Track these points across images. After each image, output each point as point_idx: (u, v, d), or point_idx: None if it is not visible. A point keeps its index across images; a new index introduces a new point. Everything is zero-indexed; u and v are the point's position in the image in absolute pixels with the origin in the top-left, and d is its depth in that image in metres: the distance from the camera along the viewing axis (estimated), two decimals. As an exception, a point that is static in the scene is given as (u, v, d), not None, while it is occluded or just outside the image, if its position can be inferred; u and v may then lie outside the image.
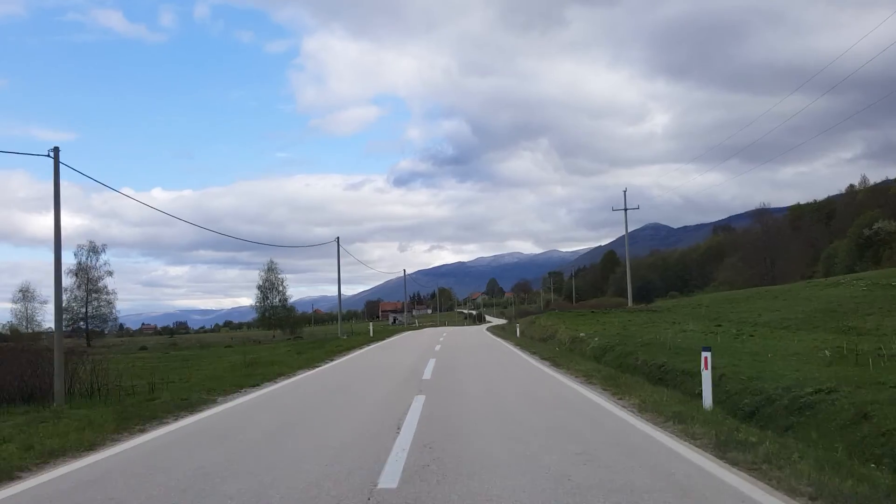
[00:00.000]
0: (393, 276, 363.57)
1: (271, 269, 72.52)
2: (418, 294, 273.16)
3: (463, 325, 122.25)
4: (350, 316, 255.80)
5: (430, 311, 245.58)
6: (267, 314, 73.03)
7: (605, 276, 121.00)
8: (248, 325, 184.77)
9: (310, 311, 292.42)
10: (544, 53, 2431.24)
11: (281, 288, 72.83)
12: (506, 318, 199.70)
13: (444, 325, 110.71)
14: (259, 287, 75.59)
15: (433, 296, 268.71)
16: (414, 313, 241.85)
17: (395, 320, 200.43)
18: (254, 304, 74.34)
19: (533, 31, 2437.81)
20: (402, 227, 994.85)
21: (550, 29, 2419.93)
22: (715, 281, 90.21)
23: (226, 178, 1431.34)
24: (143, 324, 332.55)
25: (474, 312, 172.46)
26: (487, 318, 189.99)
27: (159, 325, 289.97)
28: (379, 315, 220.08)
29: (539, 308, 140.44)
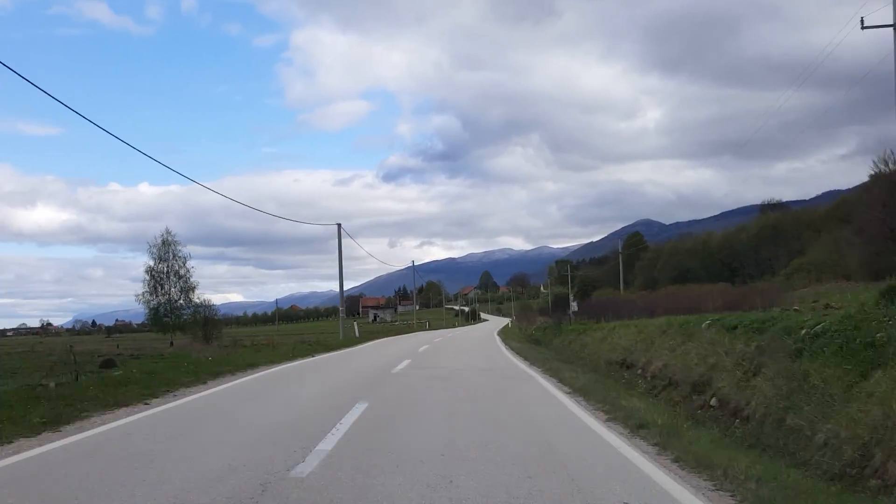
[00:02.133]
0: (384, 272, 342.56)
1: (167, 243, 48.87)
2: (404, 288, 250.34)
3: (454, 325, 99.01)
4: (329, 313, 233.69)
5: (416, 307, 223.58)
6: (161, 311, 48.71)
7: (630, 263, 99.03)
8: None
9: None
10: (536, 46, 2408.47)
11: (183, 272, 48.99)
12: (504, 315, 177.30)
13: (426, 327, 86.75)
14: (149, 272, 49.92)
15: (420, 290, 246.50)
16: (398, 309, 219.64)
17: (375, 317, 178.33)
18: (139, 297, 49.89)
19: (525, 23, 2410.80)
20: (391, 223, 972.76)
21: (542, 20, 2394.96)
22: (787, 267, 68.10)
23: (213, 174, 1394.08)
24: (116, 320, 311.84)
25: (466, 309, 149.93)
26: (483, 315, 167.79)
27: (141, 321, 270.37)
28: (359, 311, 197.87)
29: (545, 304, 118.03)
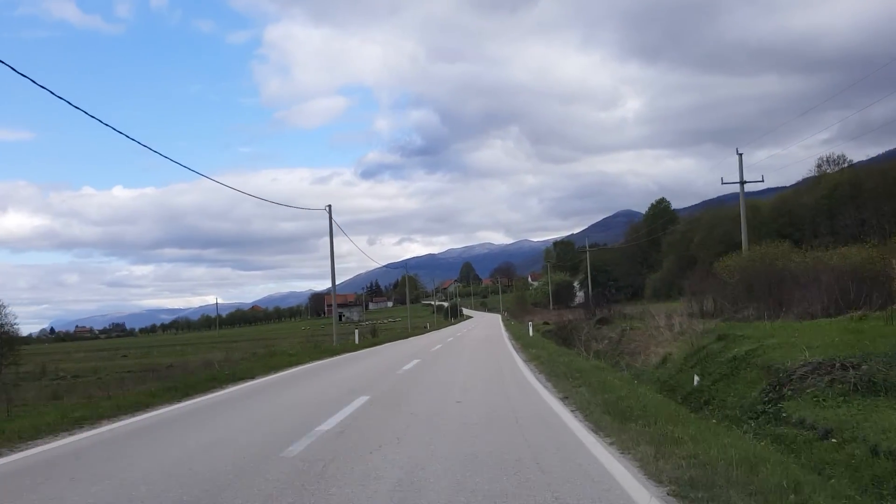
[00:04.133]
0: (363, 270, 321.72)
1: None
2: (376, 283, 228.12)
3: (426, 327, 74.70)
4: (293, 313, 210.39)
5: (390, 304, 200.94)
6: None
7: (654, 239, 77.37)
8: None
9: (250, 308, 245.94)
10: (513, 36, 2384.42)
11: None
12: (490, 311, 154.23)
13: (354, 340, 64.19)
14: None
15: (396, 285, 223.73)
16: (370, 307, 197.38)
17: (341, 317, 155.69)
18: None
19: (500, 12, 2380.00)
20: (371, 221, 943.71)
21: (518, 9, 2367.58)
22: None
23: (189, 175, 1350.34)
24: (76, 326, 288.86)
25: (446, 304, 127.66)
26: (466, 311, 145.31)
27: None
28: (325, 311, 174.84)
29: (540, 297, 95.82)
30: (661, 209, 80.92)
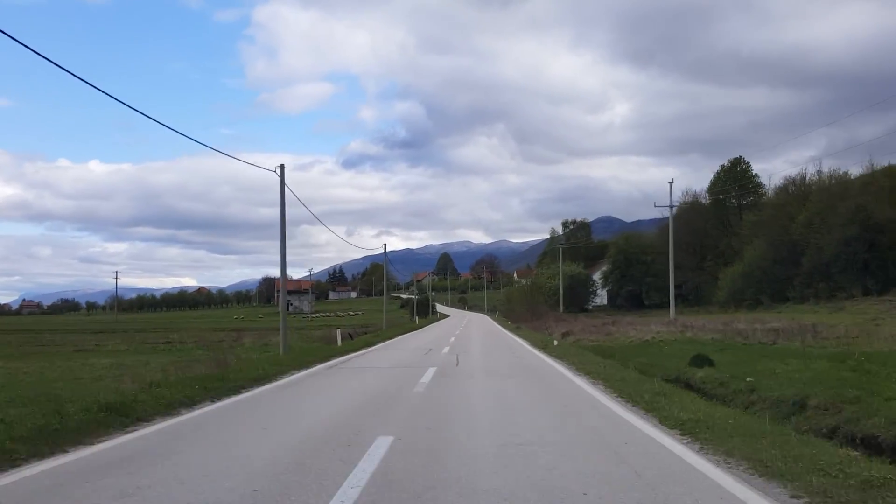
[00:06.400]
0: (340, 261, 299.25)
1: None
2: (340, 271, 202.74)
3: (338, 339, 49.05)
4: (242, 298, 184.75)
5: (353, 295, 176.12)
6: None
7: (720, 217, 53.60)
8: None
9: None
10: (504, 30, 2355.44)
11: None
12: (470, 309, 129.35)
13: None
14: None
15: (364, 274, 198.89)
16: (332, 296, 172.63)
17: (289, 306, 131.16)
18: None
19: (493, 4, 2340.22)
20: (350, 212, 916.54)
21: (511, 2, 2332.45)
22: None
23: (168, 153, 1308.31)
24: (24, 300, 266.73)
25: (416, 297, 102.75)
26: (441, 308, 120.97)
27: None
28: (275, 297, 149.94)
29: (551, 300, 71.63)
30: (737, 172, 56.77)
